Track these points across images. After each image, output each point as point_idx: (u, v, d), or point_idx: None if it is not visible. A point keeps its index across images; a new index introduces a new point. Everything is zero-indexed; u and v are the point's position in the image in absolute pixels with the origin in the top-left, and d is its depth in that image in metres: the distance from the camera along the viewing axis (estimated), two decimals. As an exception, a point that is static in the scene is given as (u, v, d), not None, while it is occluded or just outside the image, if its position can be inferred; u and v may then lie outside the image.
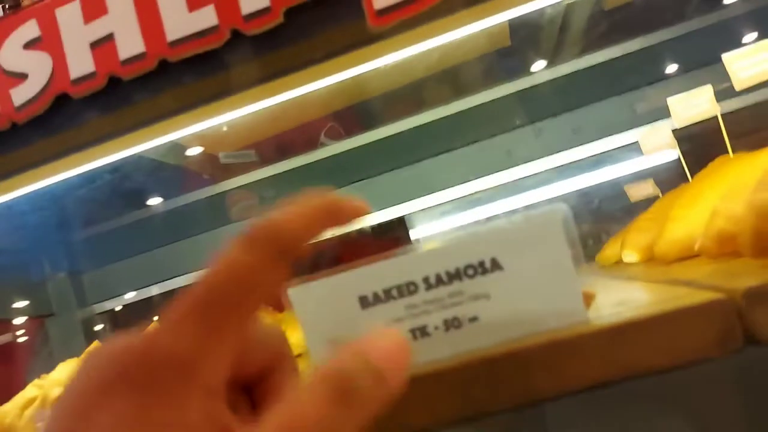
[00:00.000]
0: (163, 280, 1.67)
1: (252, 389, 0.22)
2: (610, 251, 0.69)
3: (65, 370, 0.51)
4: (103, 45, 0.83)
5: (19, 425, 0.47)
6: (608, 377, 0.27)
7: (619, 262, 0.66)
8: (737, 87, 0.55)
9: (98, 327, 1.85)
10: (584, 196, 1.31)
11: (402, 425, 0.28)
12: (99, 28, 0.83)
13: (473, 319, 0.30)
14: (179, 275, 1.60)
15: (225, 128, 1.31)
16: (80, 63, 0.83)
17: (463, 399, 0.28)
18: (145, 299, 1.72)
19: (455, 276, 0.30)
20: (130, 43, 0.82)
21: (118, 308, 1.85)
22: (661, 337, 0.27)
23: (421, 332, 0.30)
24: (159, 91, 0.81)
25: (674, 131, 0.72)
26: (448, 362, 0.29)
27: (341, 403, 0.18)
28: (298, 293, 0.30)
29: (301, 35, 0.77)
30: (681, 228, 0.46)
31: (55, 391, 0.47)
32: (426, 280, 0.30)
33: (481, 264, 0.29)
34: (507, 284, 0.29)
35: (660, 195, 0.88)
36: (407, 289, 0.30)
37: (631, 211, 0.93)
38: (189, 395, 0.18)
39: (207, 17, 0.79)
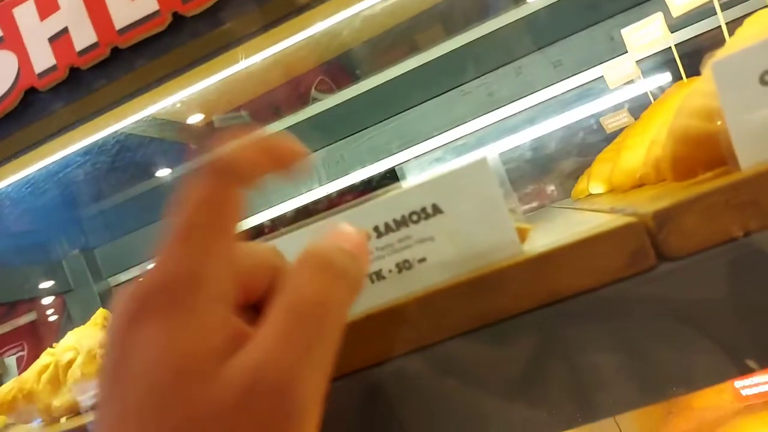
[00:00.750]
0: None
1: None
2: (582, 185, 0.72)
3: (73, 336, 0.55)
4: (60, 39, 0.90)
5: (37, 389, 0.51)
6: (539, 301, 0.30)
7: (589, 194, 0.69)
8: (674, 14, 0.57)
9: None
10: (567, 129, 1.33)
11: (362, 358, 0.32)
12: (54, 23, 0.89)
13: (422, 260, 0.33)
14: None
15: (216, 95, 1.33)
16: (42, 57, 0.89)
17: (414, 330, 0.32)
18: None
19: (402, 223, 0.33)
20: (84, 35, 0.89)
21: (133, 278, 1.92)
22: (581, 261, 0.30)
23: (377, 276, 0.34)
24: (114, 76, 0.86)
25: (637, 61, 0.74)
26: (401, 300, 0.32)
27: (330, 275, 0.22)
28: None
29: (239, 11, 0.81)
30: (632, 158, 0.49)
31: (66, 356, 0.51)
32: (376, 228, 0.33)
33: (424, 210, 0.32)
34: (448, 226, 0.32)
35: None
36: (359, 238, 0.33)
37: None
38: (202, 305, 0.20)
39: (148, 3, 0.86)
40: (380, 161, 1.48)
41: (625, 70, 0.71)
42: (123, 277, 1.91)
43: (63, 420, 0.53)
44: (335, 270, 0.23)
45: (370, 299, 0.34)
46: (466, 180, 0.32)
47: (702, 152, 0.33)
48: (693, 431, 0.72)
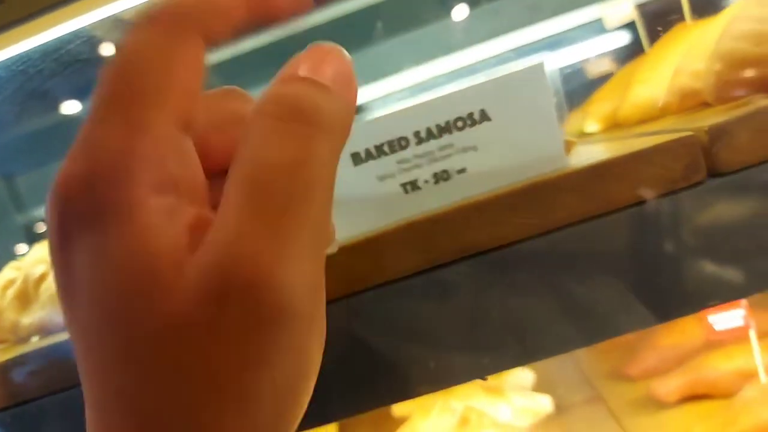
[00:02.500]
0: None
1: None
2: (570, 127, 0.72)
3: (43, 250, 0.51)
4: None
5: (3, 305, 0.48)
6: (589, 212, 0.29)
7: (579, 135, 0.69)
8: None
9: (42, 230, 1.81)
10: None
11: (397, 268, 0.31)
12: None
13: (461, 171, 0.32)
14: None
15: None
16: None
17: (456, 241, 0.30)
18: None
19: (445, 129, 0.31)
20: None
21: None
22: (634, 173, 0.29)
23: (412, 186, 0.32)
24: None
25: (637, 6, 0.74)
26: (440, 209, 0.31)
27: (298, 123, 0.16)
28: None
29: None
30: (645, 90, 0.49)
31: (38, 269, 0.47)
32: (417, 134, 0.31)
33: (470, 116, 0.31)
34: (494, 134, 0.31)
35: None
36: (399, 144, 0.32)
37: (591, 90, 0.95)
38: (137, 200, 0.16)
39: None
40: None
41: (625, 12, 0.71)
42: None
43: (34, 339, 0.49)
44: (304, 114, 0.16)
45: (400, 210, 0.32)
46: (519, 86, 0.30)
47: (748, 75, 0.33)
48: (657, 368, 0.75)
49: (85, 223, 0.15)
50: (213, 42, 0.18)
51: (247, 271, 0.15)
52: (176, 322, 0.15)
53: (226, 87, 0.20)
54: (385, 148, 0.32)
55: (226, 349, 0.15)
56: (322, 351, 0.18)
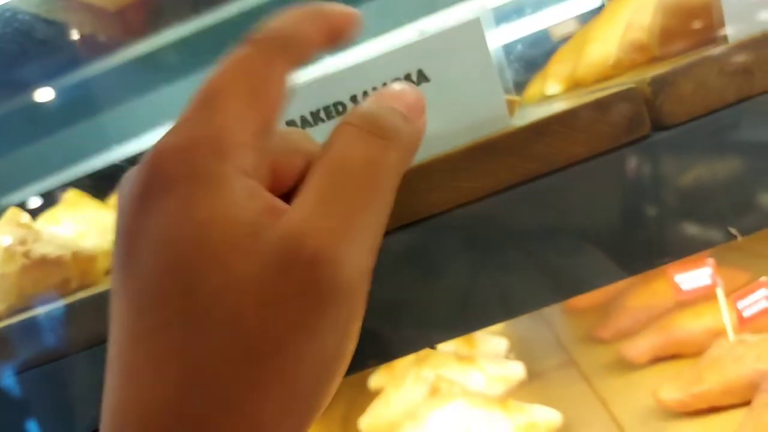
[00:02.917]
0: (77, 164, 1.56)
1: None
2: (532, 91, 0.71)
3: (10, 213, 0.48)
4: None
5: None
6: (531, 172, 0.29)
7: (541, 99, 0.68)
8: None
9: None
10: (507, 46, 1.31)
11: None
12: None
13: (403, 135, 0.31)
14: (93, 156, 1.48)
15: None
16: None
17: (395, 209, 0.29)
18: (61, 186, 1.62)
19: (382, 91, 0.30)
20: None
21: (31, 200, 1.76)
22: (577, 129, 0.28)
23: (353, 153, 0.31)
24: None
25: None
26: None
27: (378, 135, 0.19)
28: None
29: None
30: (598, 47, 0.48)
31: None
32: (354, 98, 0.30)
33: (408, 77, 0.30)
34: (434, 96, 0.30)
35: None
36: (335, 109, 0.30)
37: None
38: (227, 172, 0.17)
39: None
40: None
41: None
42: (15, 198, 1.71)
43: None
44: (383, 130, 0.20)
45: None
46: (456, 43, 0.29)
47: (692, 26, 0.32)
48: (627, 329, 0.76)
49: (174, 186, 0.17)
50: (298, 65, 0.21)
51: (314, 245, 0.17)
52: (243, 281, 0.16)
53: (290, 128, 0.25)
54: (322, 115, 0.30)
55: (281, 313, 0.16)
56: (355, 344, 0.19)
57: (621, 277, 0.30)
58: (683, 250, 0.30)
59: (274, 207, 0.18)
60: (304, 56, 0.21)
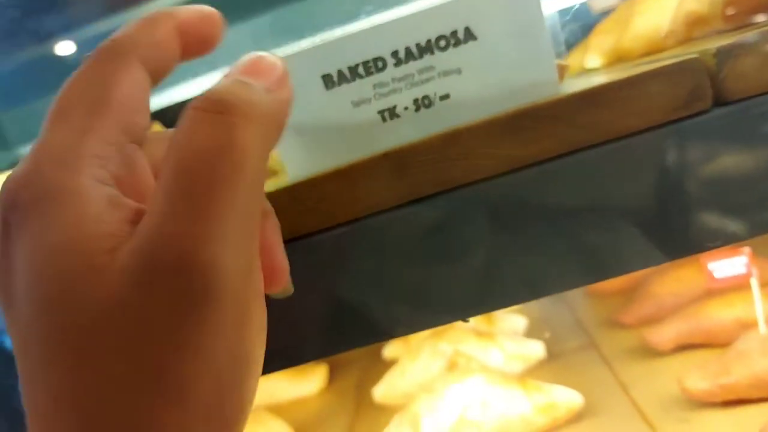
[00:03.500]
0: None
1: None
2: (573, 61, 0.69)
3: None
4: None
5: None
6: (579, 142, 0.27)
7: (581, 72, 0.66)
8: None
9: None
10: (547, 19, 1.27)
11: (371, 202, 0.28)
12: None
13: (444, 97, 0.29)
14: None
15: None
16: None
17: (435, 174, 0.28)
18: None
19: (426, 49, 0.28)
20: None
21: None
22: (632, 99, 0.26)
23: (390, 114, 0.30)
24: None
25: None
26: (420, 140, 0.28)
27: (229, 114, 0.17)
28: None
29: None
30: (648, 19, 0.45)
31: None
32: (395, 54, 0.28)
33: (454, 34, 0.28)
34: (480, 56, 0.28)
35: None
36: (375, 65, 0.29)
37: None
38: (79, 188, 0.17)
39: None
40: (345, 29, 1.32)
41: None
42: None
43: None
44: (231, 106, 0.17)
45: (377, 140, 0.30)
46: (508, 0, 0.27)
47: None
48: (652, 316, 0.74)
49: (26, 214, 0.16)
50: (158, 70, 0.20)
51: (172, 252, 0.15)
52: (109, 308, 0.15)
53: None
54: (360, 70, 0.29)
55: (158, 334, 0.15)
56: (264, 341, 0.19)
57: (660, 262, 0.28)
58: (729, 237, 0.28)
59: (138, 215, 0.17)
60: (156, 54, 0.20)
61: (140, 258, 0.15)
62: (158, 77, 0.20)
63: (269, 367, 0.23)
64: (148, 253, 0.15)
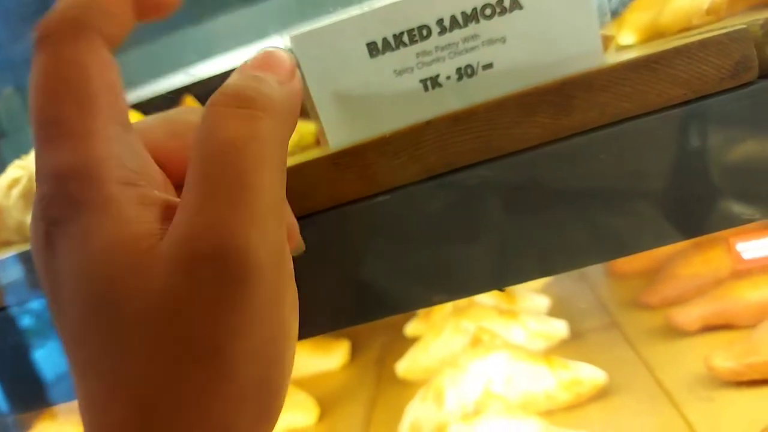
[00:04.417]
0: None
1: None
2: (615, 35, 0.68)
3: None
4: None
5: (8, 204, 0.46)
6: (623, 113, 0.27)
7: (618, 49, 0.65)
8: None
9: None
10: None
11: (413, 171, 0.29)
12: None
13: (487, 66, 0.29)
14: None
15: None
16: None
17: (481, 142, 0.28)
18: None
19: (471, 17, 0.28)
20: None
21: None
22: (676, 70, 0.26)
23: (432, 82, 0.30)
24: None
25: None
26: (462, 109, 0.28)
27: (247, 107, 0.18)
28: (301, 40, 0.29)
29: None
30: (689, -5, 0.45)
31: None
32: (440, 22, 0.29)
33: (500, 2, 0.28)
34: (526, 25, 0.28)
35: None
36: (419, 33, 0.29)
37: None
38: (107, 193, 0.17)
39: None
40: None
41: None
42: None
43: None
44: (250, 101, 0.18)
45: (419, 109, 0.30)
46: (555, -32, 0.27)
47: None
48: (676, 297, 0.74)
49: (65, 224, 0.17)
50: (112, 40, 0.19)
51: (210, 238, 0.16)
52: (156, 299, 0.16)
53: (185, 107, 0.23)
54: (405, 38, 0.29)
55: (205, 317, 0.16)
56: (297, 316, 0.20)
57: (699, 234, 0.29)
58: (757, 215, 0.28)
59: (168, 208, 0.18)
60: (113, 27, 0.19)
61: (180, 249, 0.16)
62: (116, 46, 0.20)
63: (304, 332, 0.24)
64: (186, 245, 0.16)
